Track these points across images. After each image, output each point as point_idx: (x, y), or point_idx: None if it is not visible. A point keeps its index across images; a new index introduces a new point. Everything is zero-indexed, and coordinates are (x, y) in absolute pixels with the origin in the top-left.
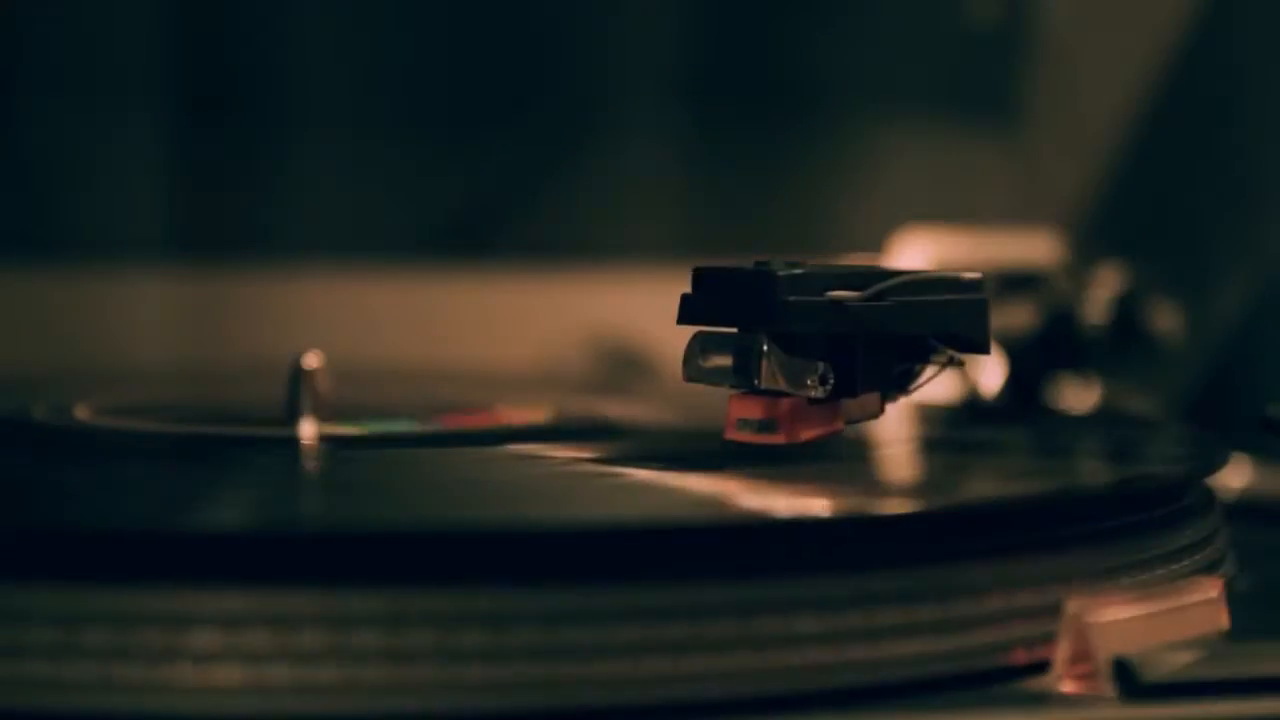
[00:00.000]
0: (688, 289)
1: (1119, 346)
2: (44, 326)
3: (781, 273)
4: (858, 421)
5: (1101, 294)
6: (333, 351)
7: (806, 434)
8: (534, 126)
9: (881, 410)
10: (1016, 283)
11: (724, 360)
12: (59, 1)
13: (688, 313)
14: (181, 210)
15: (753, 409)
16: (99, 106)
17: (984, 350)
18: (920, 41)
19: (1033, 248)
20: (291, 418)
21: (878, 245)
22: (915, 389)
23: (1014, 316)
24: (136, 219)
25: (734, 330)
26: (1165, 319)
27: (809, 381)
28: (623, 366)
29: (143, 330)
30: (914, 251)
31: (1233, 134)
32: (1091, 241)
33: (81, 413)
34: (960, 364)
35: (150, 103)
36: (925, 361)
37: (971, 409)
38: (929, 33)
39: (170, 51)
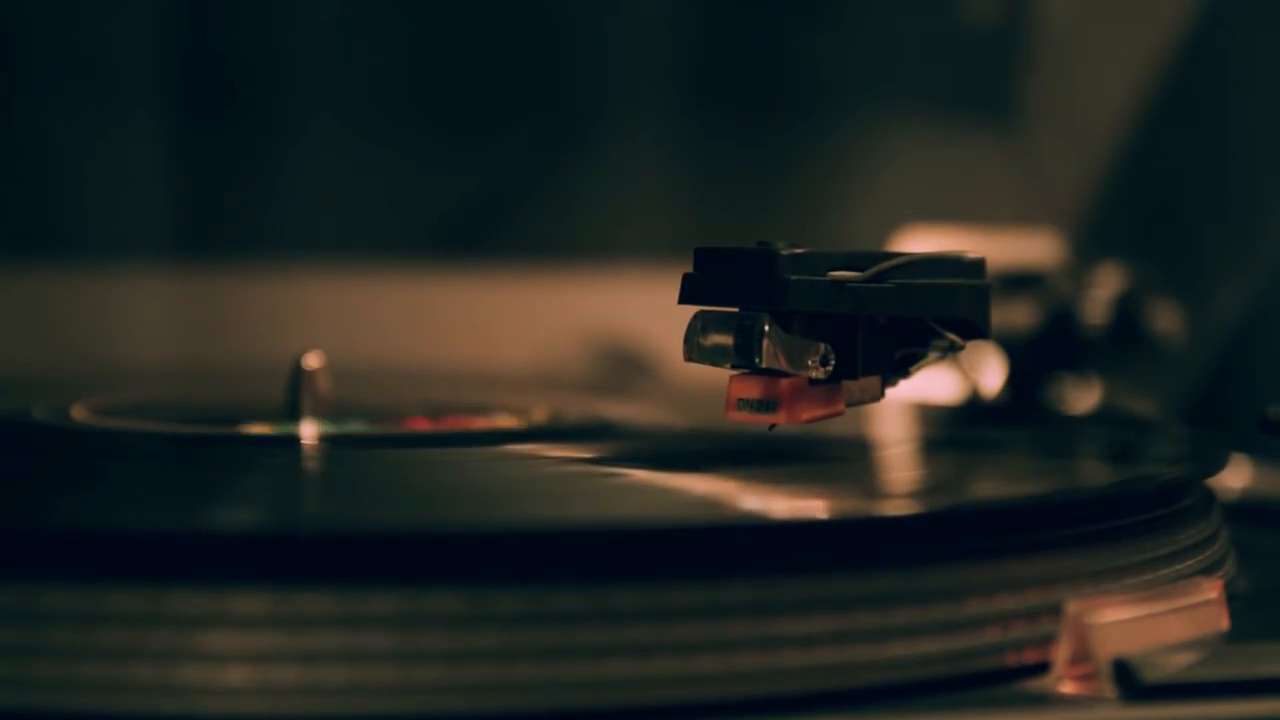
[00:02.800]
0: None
1: (1119, 347)
2: (44, 326)
3: (784, 252)
4: (858, 404)
5: (1101, 294)
6: (333, 351)
7: (806, 415)
8: (534, 126)
9: (882, 393)
10: (1016, 283)
11: (725, 339)
12: (59, 1)
13: (689, 292)
14: (181, 210)
15: (753, 389)
16: (99, 106)
17: (985, 335)
18: (920, 41)
19: (1033, 248)
20: (292, 418)
21: (878, 246)
22: (916, 372)
23: (1014, 316)
24: (136, 219)
25: (735, 310)
26: (1165, 319)
27: (810, 362)
28: (622, 366)
29: (143, 330)
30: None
31: (1232, 134)
32: (1091, 241)
33: (81, 413)
34: (960, 348)
35: (150, 103)
36: (926, 346)
37: (972, 409)
38: (929, 33)
39: (170, 51)
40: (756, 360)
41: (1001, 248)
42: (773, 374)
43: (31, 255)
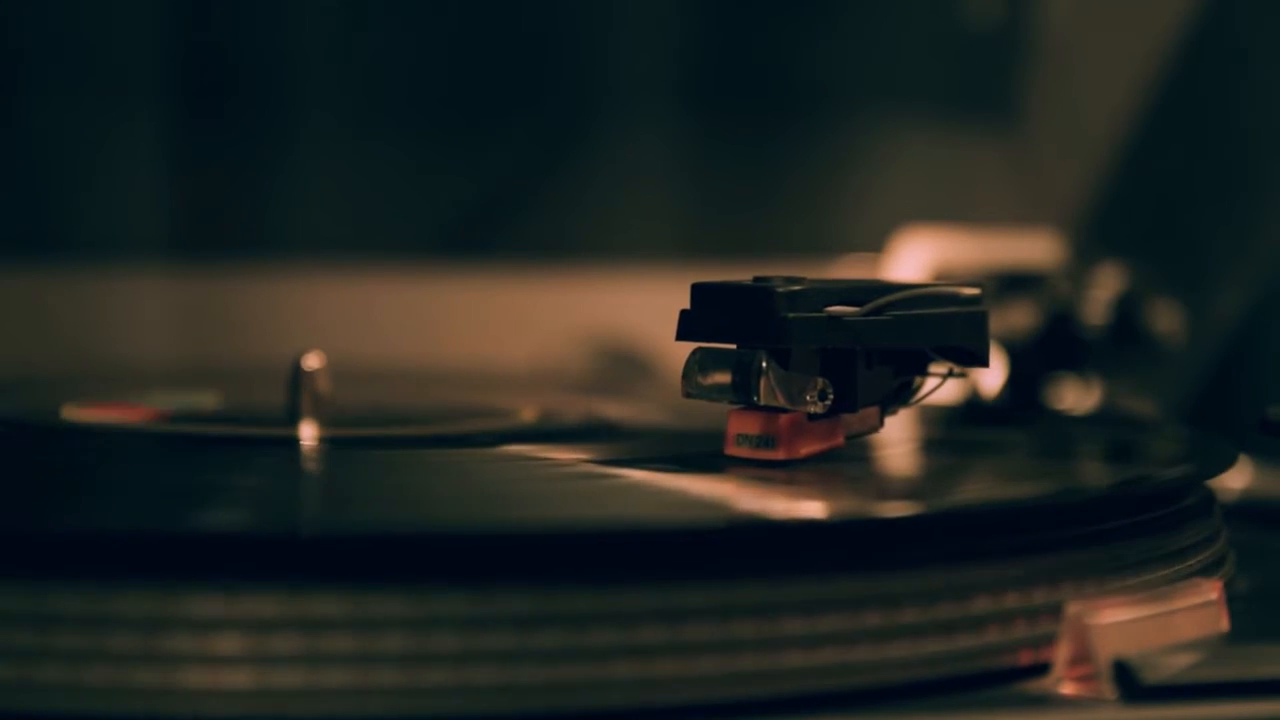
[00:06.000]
0: (686, 291)
1: (1119, 347)
2: (44, 326)
3: (781, 289)
4: (858, 435)
5: (1101, 294)
6: (333, 351)
7: (806, 449)
8: (534, 127)
9: (881, 424)
10: (1016, 283)
11: (723, 377)
12: (59, 1)
13: (686, 329)
14: (181, 209)
15: (752, 424)
16: (99, 106)
17: (984, 363)
18: (920, 41)
19: (1033, 248)
20: (292, 418)
21: (878, 246)
22: (915, 402)
23: (1014, 317)
24: (136, 218)
25: (733, 346)
26: (1165, 319)
27: (808, 397)
28: (622, 366)
29: (143, 330)
30: (914, 252)
31: (1232, 134)
32: (1091, 242)
33: (80, 412)
34: (960, 376)
35: (150, 101)
36: (924, 374)
37: (972, 410)
38: (929, 33)
39: (170, 50)
40: (755, 398)
41: (1001, 248)
42: (771, 410)
43: (31, 255)
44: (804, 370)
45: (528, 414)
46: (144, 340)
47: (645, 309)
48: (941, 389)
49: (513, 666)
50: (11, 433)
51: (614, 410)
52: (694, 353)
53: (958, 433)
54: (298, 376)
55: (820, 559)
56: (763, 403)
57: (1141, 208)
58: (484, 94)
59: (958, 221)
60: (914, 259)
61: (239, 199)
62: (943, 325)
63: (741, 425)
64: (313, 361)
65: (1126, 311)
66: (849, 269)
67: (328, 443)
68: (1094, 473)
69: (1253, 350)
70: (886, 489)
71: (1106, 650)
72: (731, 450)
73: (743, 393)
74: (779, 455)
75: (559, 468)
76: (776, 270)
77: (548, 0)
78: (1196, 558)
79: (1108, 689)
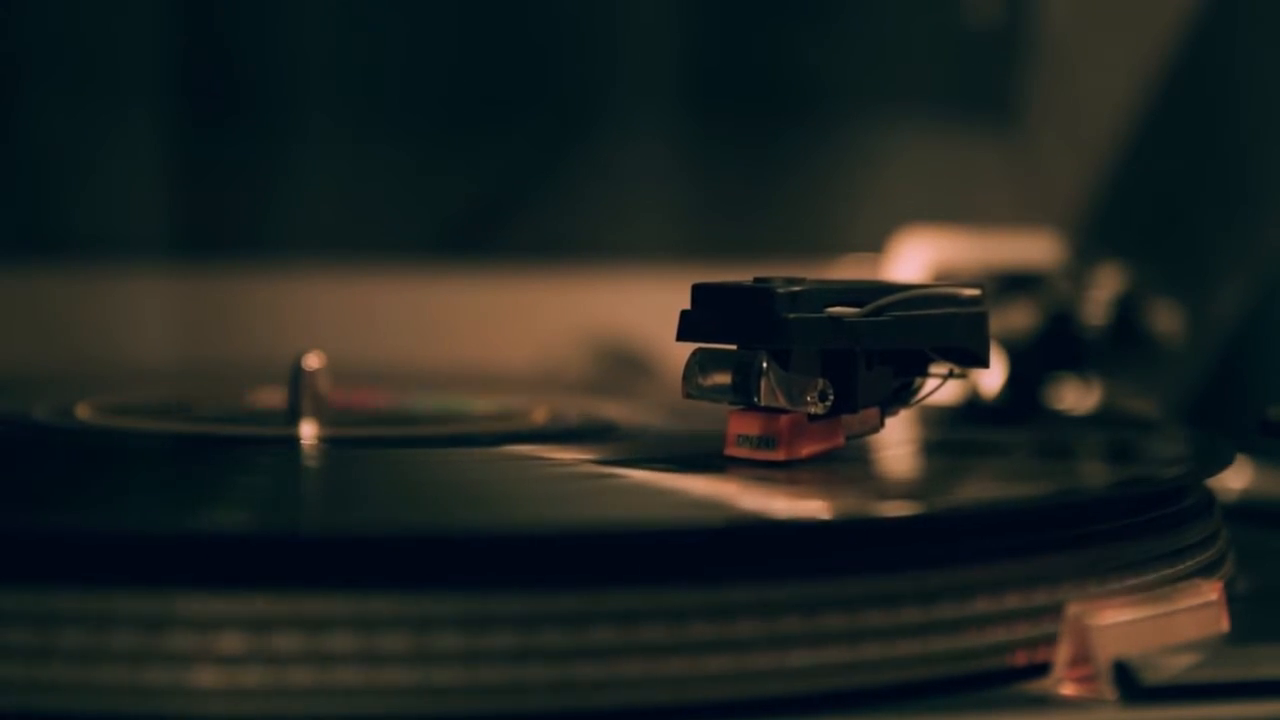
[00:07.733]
0: (686, 291)
1: (1119, 347)
2: (44, 326)
3: (781, 290)
4: (858, 436)
5: (1101, 295)
6: (333, 351)
7: (806, 450)
8: (534, 126)
9: (881, 424)
10: (1016, 283)
11: (723, 378)
12: (59, 2)
13: (687, 329)
14: (181, 210)
15: (752, 425)
16: (99, 106)
17: (984, 364)
18: (920, 41)
19: (1033, 248)
20: (292, 418)
21: (877, 246)
22: (915, 403)
23: (1014, 317)
24: (136, 219)
25: (733, 347)
26: (1165, 319)
27: (808, 398)
28: (622, 366)
29: (143, 330)
30: (914, 252)
31: (1233, 134)
32: (1091, 242)
33: (82, 413)
34: (961, 376)
35: (150, 103)
36: (925, 374)
37: (972, 410)
38: (929, 33)
39: (170, 51)
40: (755, 399)
41: (1001, 248)
42: (772, 410)
43: (31, 255)
44: (804, 371)
45: (528, 414)
46: (144, 340)
47: (645, 309)
48: (941, 389)
49: (516, 666)
50: (13, 433)
51: (614, 410)
52: (694, 353)
53: (958, 433)
54: (298, 376)
55: (820, 559)
56: (763, 403)
57: (1141, 208)
58: (484, 94)
59: (958, 221)
60: (914, 259)
61: (239, 199)
62: (943, 326)
63: (742, 426)
64: (313, 361)
65: (1126, 311)
66: (849, 269)
67: (328, 443)
68: (1094, 473)
69: (1253, 350)
70: (887, 489)
71: (1107, 651)
72: (732, 451)
73: (743, 393)
74: (779, 456)
75: (559, 468)
76: (777, 270)
77: (548, 0)
78: (1196, 558)
79: (1108, 690)
